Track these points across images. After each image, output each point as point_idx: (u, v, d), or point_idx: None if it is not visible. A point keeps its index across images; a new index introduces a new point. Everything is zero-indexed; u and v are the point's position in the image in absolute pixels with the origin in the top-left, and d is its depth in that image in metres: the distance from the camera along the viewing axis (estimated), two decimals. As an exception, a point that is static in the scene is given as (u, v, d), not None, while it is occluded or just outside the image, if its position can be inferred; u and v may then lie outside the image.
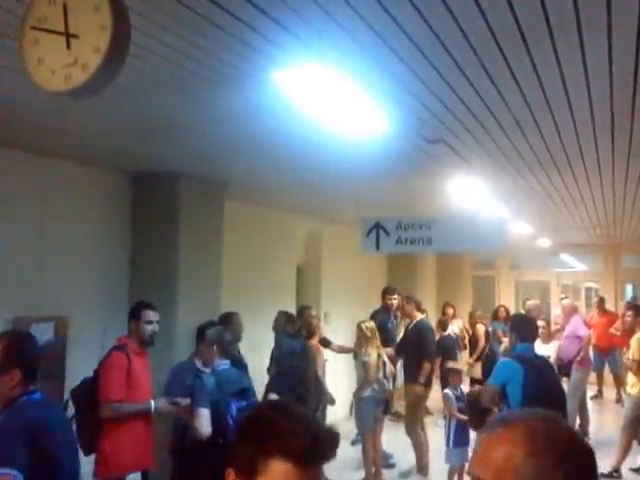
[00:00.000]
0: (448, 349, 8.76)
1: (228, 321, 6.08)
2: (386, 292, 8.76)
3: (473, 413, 5.31)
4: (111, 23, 1.98)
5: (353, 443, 7.95)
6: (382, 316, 8.55)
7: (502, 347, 8.32)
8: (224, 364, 4.48)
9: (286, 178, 6.39)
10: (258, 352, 6.88)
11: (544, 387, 4.55)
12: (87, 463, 4.64)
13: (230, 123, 4.30)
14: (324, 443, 1.54)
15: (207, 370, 4.92)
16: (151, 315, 4.72)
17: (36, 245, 5.16)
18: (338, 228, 9.90)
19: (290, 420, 1.56)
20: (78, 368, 5.11)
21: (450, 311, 11.01)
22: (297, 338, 6.84)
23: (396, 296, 8.81)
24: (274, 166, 5.78)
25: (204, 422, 4.11)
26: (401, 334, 8.88)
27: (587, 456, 1.14)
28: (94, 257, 5.76)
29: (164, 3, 2.52)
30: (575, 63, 3.13)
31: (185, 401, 4.40)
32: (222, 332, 4.76)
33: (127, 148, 5.14)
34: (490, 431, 1.17)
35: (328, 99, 3.56)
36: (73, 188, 5.57)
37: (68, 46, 2.04)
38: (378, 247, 6.87)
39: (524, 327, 5.14)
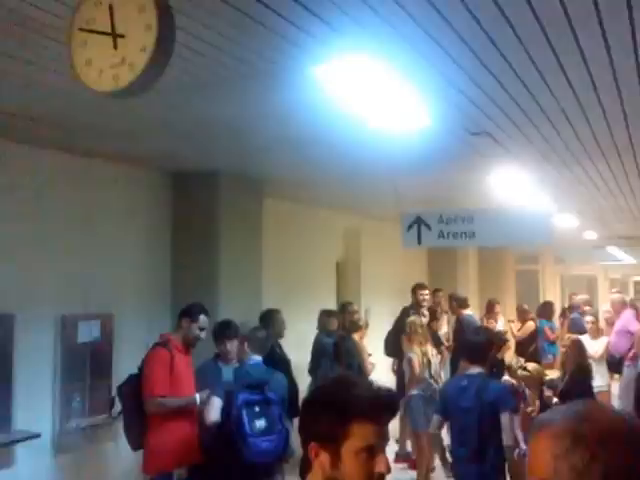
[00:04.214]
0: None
1: (269, 318, 6.11)
2: (417, 288, 8.65)
3: None
4: (156, 22, 2.00)
5: (397, 442, 7.91)
6: (413, 312, 8.45)
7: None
8: (255, 359, 4.53)
9: (325, 174, 6.38)
10: (300, 349, 6.89)
11: None
12: (135, 459, 4.75)
13: (270, 120, 4.31)
14: (390, 402, 1.76)
15: (229, 370, 5.00)
16: (205, 322, 4.77)
17: (84, 245, 5.25)
18: (377, 223, 9.86)
19: (359, 387, 1.74)
20: (124, 365, 5.21)
21: (497, 308, 10.74)
22: (332, 335, 6.82)
23: (427, 292, 8.70)
24: (313, 162, 5.77)
25: (213, 410, 4.30)
26: (443, 331, 8.81)
27: (626, 453, 1.09)
28: (138, 256, 5.84)
29: (207, 2, 2.53)
30: (624, 49, 3.05)
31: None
32: (254, 329, 4.78)
33: (170, 147, 5.20)
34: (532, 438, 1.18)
35: (368, 93, 3.53)
36: (118, 188, 5.65)
37: (115, 46, 2.07)
38: (420, 241, 6.80)
39: None
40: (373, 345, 7.82)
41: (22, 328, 4.63)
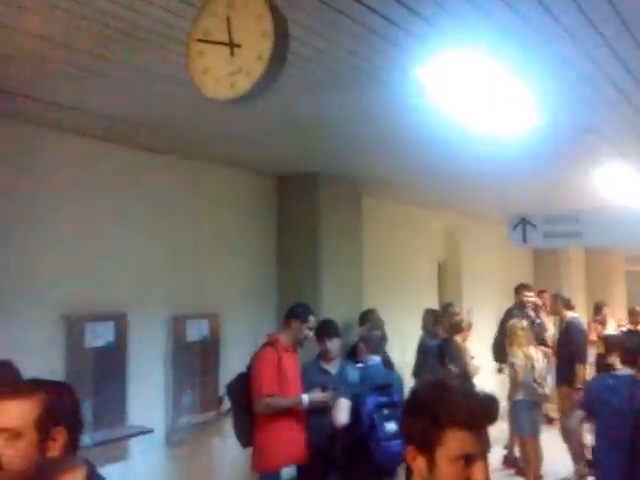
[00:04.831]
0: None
1: (368, 318, 6.12)
2: (521, 289, 8.41)
3: None
4: (272, 30, 2.04)
5: (506, 447, 7.71)
6: (517, 314, 8.20)
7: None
8: (373, 360, 4.53)
9: (426, 174, 6.32)
10: (400, 350, 6.85)
11: None
12: (243, 456, 4.87)
13: (370, 120, 4.32)
14: (489, 409, 1.69)
15: (331, 369, 5.07)
16: (314, 322, 4.89)
17: (192, 246, 5.44)
18: (479, 223, 9.66)
19: (455, 392, 1.72)
20: (231, 363, 5.35)
21: (605, 310, 10.28)
22: (435, 337, 6.73)
23: (532, 293, 8.43)
24: (413, 162, 5.73)
25: (341, 412, 4.27)
26: (548, 333, 8.51)
27: None
28: (244, 257, 5.98)
29: (307, 4, 2.55)
30: None
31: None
32: (370, 329, 4.77)
33: (274, 150, 5.30)
34: None
35: (471, 91, 3.45)
36: (225, 191, 5.82)
37: (232, 55, 2.13)
38: (525, 241, 6.63)
39: None
40: (476, 347, 7.66)
41: (135, 327, 4.83)
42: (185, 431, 5.22)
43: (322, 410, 4.58)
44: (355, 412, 4.25)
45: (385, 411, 4.27)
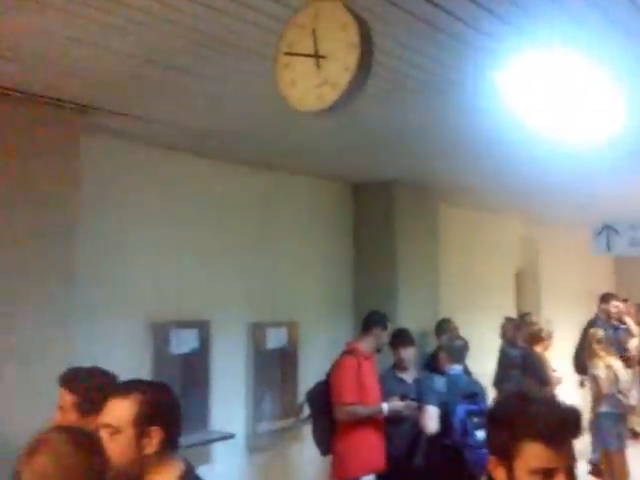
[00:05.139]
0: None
1: (444, 328, 6.07)
2: (605, 298, 8.13)
3: None
4: (358, 41, 2.07)
5: (590, 462, 7.45)
6: (601, 324, 7.92)
7: None
8: (455, 369, 4.51)
9: (502, 180, 6.22)
10: (477, 359, 6.73)
11: None
12: (321, 463, 4.90)
13: (446, 126, 4.29)
14: (570, 422, 1.64)
15: (407, 378, 5.04)
16: (391, 329, 4.96)
17: (271, 255, 5.53)
18: (558, 230, 9.40)
19: (535, 404, 1.67)
20: (308, 371, 5.42)
21: None
22: (516, 346, 6.60)
23: (619, 303, 8.13)
24: (490, 168, 5.65)
25: (431, 419, 4.27)
26: (634, 341, 8.19)
27: None
28: (320, 265, 6.04)
29: (377, 8, 2.56)
30: None
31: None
32: (452, 338, 4.74)
33: (349, 159, 5.35)
34: None
35: (552, 93, 3.38)
36: (301, 199, 5.91)
37: (318, 67, 2.17)
38: (609, 249, 6.43)
39: None
40: (556, 358, 7.45)
41: (217, 334, 4.97)
42: (265, 437, 5.30)
43: (400, 419, 4.57)
44: (444, 420, 4.24)
45: (475, 419, 4.23)
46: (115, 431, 1.91)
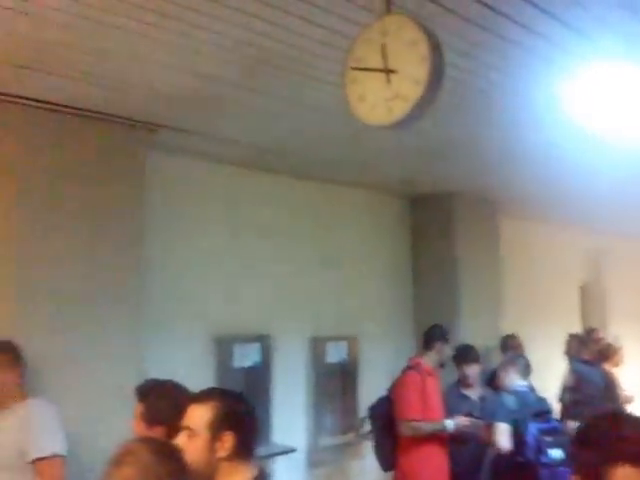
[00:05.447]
0: None
1: (509, 344, 5.94)
2: None
3: None
4: (429, 54, 2.06)
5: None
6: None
7: None
8: (522, 386, 4.42)
9: (564, 192, 6.08)
10: (541, 374, 6.56)
11: None
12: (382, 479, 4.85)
13: (506, 137, 4.23)
14: None
15: (471, 395, 4.96)
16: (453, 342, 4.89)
17: (330, 270, 5.53)
18: (624, 242, 9.12)
19: (629, 426, 1.60)
20: (368, 386, 5.38)
21: None
22: (592, 364, 6.39)
23: None
24: (552, 180, 5.54)
25: (504, 437, 4.19)
26: None
27: None
28: (380, 280, 6.01)
29: (438, 18, 2.54)
30: None
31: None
32: (516, 355, 4.64)
33: (407, 172, 5.32)
34: None
35: (615, 103, 3.29)
36: (360, 213, 5.89)
37: (388, 81, 2.17)
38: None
39: None
40: (626, 376, 7.20)
41: (278, 348, 4.99)
42: (326, 452, 5.28)
43: (465, 437, 4.49)
44: (516, 438, 4.16)
45: (548, 437, 4.12)
46: (193, 434, 2.05)
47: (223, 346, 4.60)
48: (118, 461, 1.70)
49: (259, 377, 4.82)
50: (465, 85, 3.27)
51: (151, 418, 2.48)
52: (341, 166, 5.07)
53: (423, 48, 2.08)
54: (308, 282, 5.34)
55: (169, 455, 1.76)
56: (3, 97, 3.31)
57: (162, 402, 2.50)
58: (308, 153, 4.62)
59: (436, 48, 2.09)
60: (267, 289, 5.04)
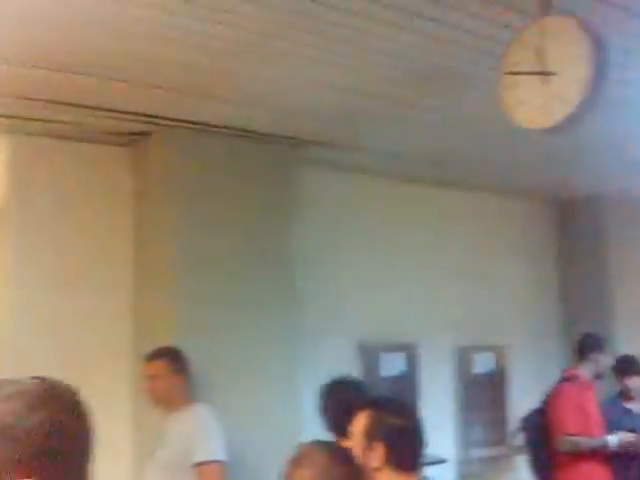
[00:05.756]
0: None
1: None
2: None
3: None
4: (591, 54, 1.99)
5: None
6: None
7: None
8: None
9: None
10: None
11: None
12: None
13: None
14: None
15: (635, 409, 4.63)
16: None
17: (475, 278, 5.43)
18: None
19: None
20: (517, 398, 5.23)
21: None
22: None
23: None
24: None
25: None
26: None
27: None
28: (526, 289, 5.82)
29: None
30: None
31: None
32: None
33: (554, 176, 5.14)
34: None
35: None
36: (506, 222, 5.74)
37: (546, 84, 2.11)
38: None
39: None
40: None
41: (424, 358, 4.96)
42: (476, 464, 5.17)
43: (630, 454, 4.23)
44: None
45: None
46: (355, 440, 2.13)
47: (369, 355, 4.64)
48: (296, 464, 1.76)
49: (405, 386, 4.81)
50: (621, 82, 3.11)
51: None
52: (491, 173, 4.99)
53: (584, 47, 2.01)
54: (453, 291, 5.27)
55: (343, 458, 1.80)
56: (184, 124, 3.57)
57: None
58: (458, 163, 4.60)
59: (598, 46, 2.02)
60: (414, 299, 5.02)
